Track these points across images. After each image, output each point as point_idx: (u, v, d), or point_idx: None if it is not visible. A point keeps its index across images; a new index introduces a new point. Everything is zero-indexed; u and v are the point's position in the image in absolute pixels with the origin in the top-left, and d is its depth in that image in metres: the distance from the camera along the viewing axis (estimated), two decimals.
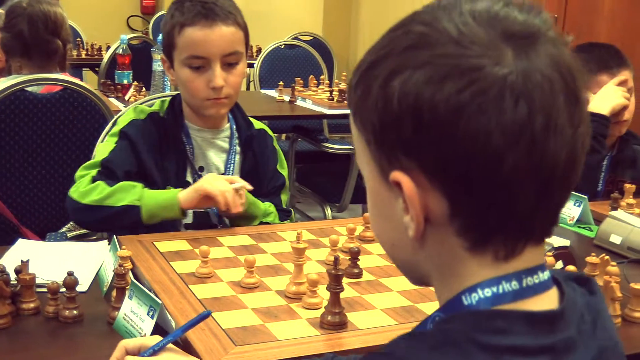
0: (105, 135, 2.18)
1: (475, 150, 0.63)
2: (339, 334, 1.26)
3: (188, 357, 1.11)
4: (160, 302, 1.23)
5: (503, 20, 0.66)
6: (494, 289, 0.68)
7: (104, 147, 1.89)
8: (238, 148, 1.97)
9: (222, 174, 1.91)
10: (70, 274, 1.33)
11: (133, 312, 1.27)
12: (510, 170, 0.64)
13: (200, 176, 1.90)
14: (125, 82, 3.63)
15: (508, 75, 0.63)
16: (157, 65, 3.38)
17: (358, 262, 1.52)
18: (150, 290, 1.28)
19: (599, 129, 2.14)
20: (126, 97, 3.55)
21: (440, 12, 0.68)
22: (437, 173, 0.66)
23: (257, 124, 2.04)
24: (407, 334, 0.72)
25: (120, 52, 3.66)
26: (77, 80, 2.63)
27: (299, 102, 3.74)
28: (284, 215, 1.96)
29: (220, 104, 1.88)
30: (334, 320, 1.28)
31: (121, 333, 1.28)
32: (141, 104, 2.20)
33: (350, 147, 3.44)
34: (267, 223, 1.86)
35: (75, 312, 1.32)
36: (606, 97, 2.16)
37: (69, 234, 2.18)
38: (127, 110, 2.04)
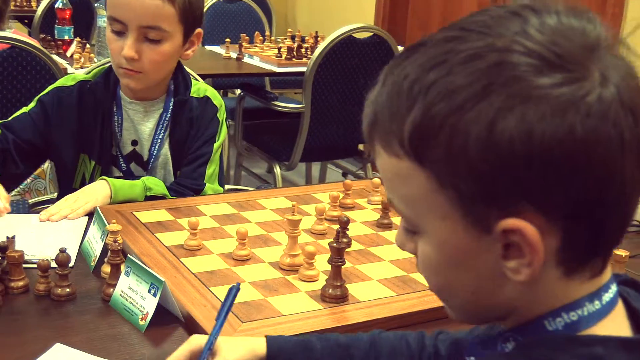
0: None
1: (605, 176, 0.61)
2: (342, 307, 1.25)
3: (242, 338, 1.07)
4: (163, 279, 1.19)
5: (577, 32, 0.64)
6: (579, 312, 0.66)
7: (20, 111, 1.84)
8: (169, 116, 1.85)
9: (150, 149, 1.85)
10: (62, 250, 1.27)
11: (132, 289, 1.24)
12: (630, 186, 0.63)
13: (125, 155, 1.85)
14: (66, 37, 3.49)
15: (615, 92, 0.62)
16: (102, 21, 3.25)
17: (347, 232, 1.51)
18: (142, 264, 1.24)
19: None
20: (68, 54, 3.41)
21: (507, 30, 0.63)
22: (564, 211, 0.62)
23: (204, 91, 1.91)
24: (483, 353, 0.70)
25: (60, 7, 3.50)
26: (25, 38, 2.52)
27: (246, 59, 3.67)
28: (190, 189, 1.82)
29: (130, 75, 1.75)
30: (336, 293, 1.27)
31: (119, 310, 1.24)
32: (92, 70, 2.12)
33: (300, 105, 3.40)
34: (155, 196, 1.74)
35: (68, 289, 1.27)
36: None
37: (30, 201, 2.09)
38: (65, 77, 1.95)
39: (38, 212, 1.63)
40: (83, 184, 1.79)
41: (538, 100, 0.60)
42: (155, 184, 1.76)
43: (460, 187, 0.64)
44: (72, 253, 1.43)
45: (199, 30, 1.83)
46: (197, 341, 1.01)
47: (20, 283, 1.29)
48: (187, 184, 1.83)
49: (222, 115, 1.92)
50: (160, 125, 1.85)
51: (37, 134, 1.81)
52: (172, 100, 1.86)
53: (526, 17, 0.65)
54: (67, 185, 1.85)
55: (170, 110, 1.85)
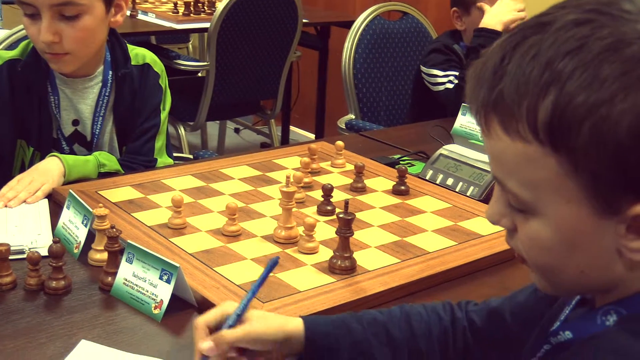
0: None
1: None
2: (354, 279, 1.25)
3: (275, 315, 1.02)
4: (177, 265, 1.15)
5: None
6: None
7: None
8: (109, 91, 1.75)
9: (92, 128, 1.74)
10: (55, 241, 1.19)
11: (137, 277, 1.18)
12: None
13: (67, 136, 1.74)
14: None
15: None
16: None
17: (331, 199, 1.51)
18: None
19: (489, 45, 2.23)
20: None
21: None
22: None
23: (144, 57, 1.80)
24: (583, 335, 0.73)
25: None
26: None
27: (140, 16, 3.52)
28: (141, 164, 1.76)
29: (59, 60, 1.63)
30: (345, 264, 1.27)
31: (125, 300, 1.18)
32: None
33: (205, 63, 3.31)
34: (109, 173, 1.67)
35: (63, 282, 1.20)
36: (499, 13, 2.25)
37: None
38: None
39: None
40: (23, 170, 1.65)
41: None
42: (108, 160, 1.68)
43: (599, 174, 0.65)
44: (48, 240, 1.33)
45: None
46: (229, 306, 0.97)
47: (8, 279, 1.20)
48: (137, 160, 1.75)
49: (164, 81, 1.84)
50: (101, 102, 1.74)
51: None
52: (111, 72, 1.75)
53: None
54: (5, 173, 1.70)
55: (110, 85, 1.74)
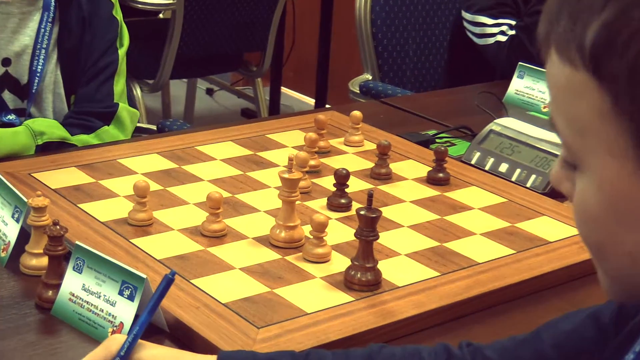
0: None
1: None
2: (379, 297, 1.24)
3: (174, 351, 1.06)
4: (144, 276, 1.13)
5: None
6: None
7: None
8: (53, 16, 1.79)
9: (31, 65, 1.76)
10: None
11: (89, 292, 1.18)
12: None
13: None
14: None
15: None
16: None
17: (346, 189, 1.49)
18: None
19: None
20: None
21: None
22: None
23: None
24: None
25: None
26: None
27: None
28: (97, 117, 1.78)
29: None
30: (367, 278, 1.26)
31: (71, 322, 1.19)
32: None
33: (170, 1, 3.29)
34: (50, 143, 1.68)
35: None
36: None
37: None
38: None
39: None
40: None
41: None
42: (48, 126, 1.70)
43: (638, 118, 0.66)
44: None
45: None
46: (115, 344, 1.02)
47: None
48: (92, 108, 1.78)
49: (119, 13, 1.89)
50: (43, 29, 1.77)
51: None
52: None
53: None
54: None
55: (52, 8, 1.78)
